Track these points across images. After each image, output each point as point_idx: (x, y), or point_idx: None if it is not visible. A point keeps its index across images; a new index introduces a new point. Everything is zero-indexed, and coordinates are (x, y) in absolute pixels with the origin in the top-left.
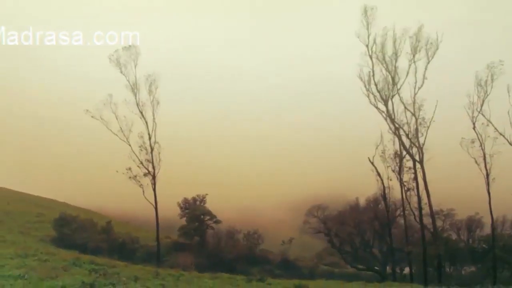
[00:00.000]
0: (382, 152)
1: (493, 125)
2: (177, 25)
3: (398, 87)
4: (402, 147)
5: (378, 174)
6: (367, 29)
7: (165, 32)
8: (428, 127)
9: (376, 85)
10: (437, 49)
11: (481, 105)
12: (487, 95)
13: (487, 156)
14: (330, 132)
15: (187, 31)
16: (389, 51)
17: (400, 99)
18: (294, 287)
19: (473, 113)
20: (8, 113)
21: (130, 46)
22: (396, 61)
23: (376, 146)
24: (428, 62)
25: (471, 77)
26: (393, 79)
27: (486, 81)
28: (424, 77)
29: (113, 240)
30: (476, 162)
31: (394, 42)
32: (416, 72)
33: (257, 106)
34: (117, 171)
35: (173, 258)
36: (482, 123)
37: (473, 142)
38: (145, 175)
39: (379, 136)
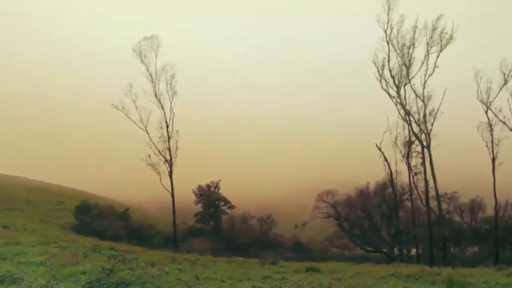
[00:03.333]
0: (395, 138)
1: (494, 113)
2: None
3: (412, 74)
4: (411, 133)
5: (385, 160)
6: (388, 14)
7: (182, 24)
8: (436, 113)
9: (390, 70)
10: (451, 38)
11: (498, 92)
12: (507, 82)
13: (495, 140)
14: (342, 118)
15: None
16: (407, 38)
17: (411, 86)
18: (305, 270)
19: (488, 98)
20: (28, 103)
21: (151, 36)
22: (413, 49)
23: (384, 132)
24: (441, 51)
25: (478, 67)
26: (408, 66)
27: (510, 70)
28: (435, 65)
29: (131, 227)
30: (487, 146)
31: (411, 32)
32: (428, 59)
33: (269, 93)
34: (139, 158)
35: (189, 243)
36: (495, 107)
37: (485, 127)
38: (163, 162)
39: (387, 122)
